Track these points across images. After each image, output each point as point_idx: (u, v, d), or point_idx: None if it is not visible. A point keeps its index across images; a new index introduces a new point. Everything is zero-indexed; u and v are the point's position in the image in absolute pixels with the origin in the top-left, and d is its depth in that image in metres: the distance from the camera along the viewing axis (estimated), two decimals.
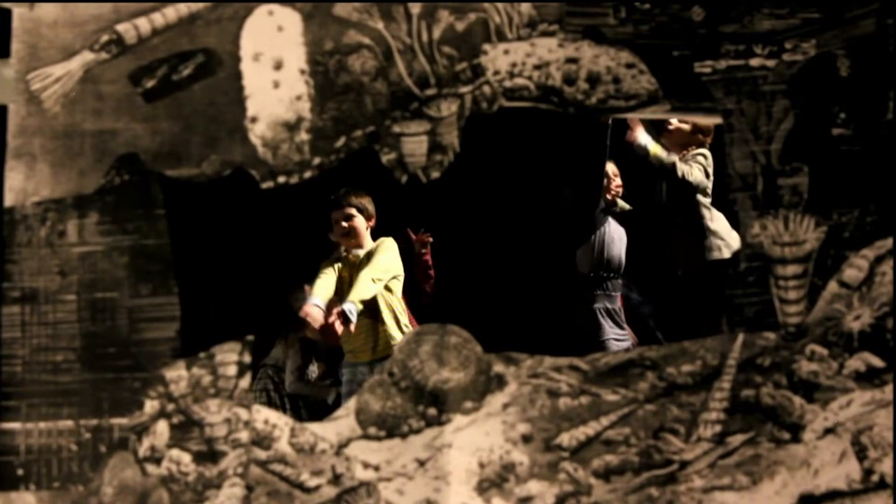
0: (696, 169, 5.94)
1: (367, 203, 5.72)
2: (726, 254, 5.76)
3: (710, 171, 5.95)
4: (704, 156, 6.00)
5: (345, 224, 5.66)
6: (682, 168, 5.86)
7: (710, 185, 5.97)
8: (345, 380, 5.68)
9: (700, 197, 5.94)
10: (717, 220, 5.93)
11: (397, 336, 5.59)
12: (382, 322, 5.59)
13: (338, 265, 5.66)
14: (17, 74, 4.48)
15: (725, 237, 5.85)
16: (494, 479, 4.25)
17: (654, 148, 5.87)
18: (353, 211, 5.68)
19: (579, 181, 6.50)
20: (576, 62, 4.44)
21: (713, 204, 5.99)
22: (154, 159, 4.46)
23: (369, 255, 5.60)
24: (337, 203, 5.70)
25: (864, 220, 4.33)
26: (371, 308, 5.54)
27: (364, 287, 5.44)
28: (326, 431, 4.33)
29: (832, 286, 4.30)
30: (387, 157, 4.47)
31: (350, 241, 5.68)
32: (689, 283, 5.86)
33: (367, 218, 5.72)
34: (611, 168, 6.48)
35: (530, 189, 7.12)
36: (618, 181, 6.50)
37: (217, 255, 6.76)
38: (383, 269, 5.54)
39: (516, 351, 4.36)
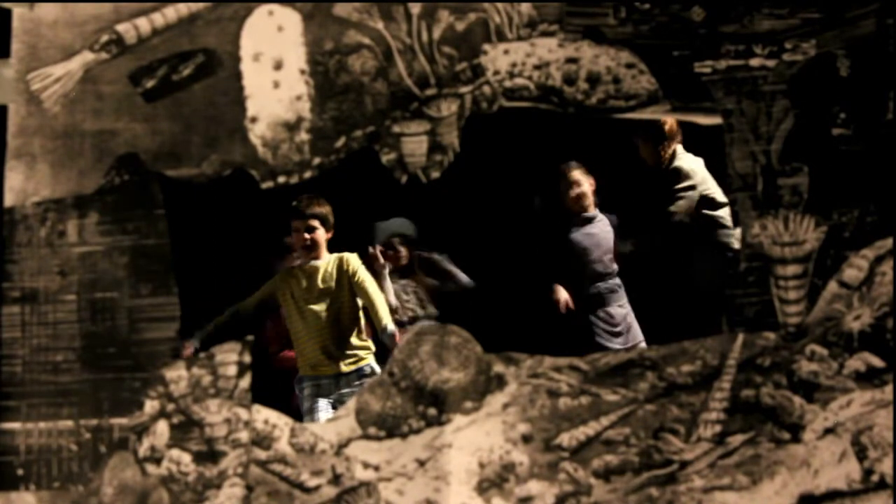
0: (677, 203, 5.88)
1: (329, 214, 5.65)
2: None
3: (694, 180, 5.86)
4: (677, 174, 5.91)
5: (307, 236, 5.60)
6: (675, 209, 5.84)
7: (703, 189, 5.89)
8: (306, 393, 5.61)
9: (707, 212, 5.89)
10: (724, 230, 5.89)
11: (361, 351, 5.60)
12: (353, 337, 5.60)
13: (290, 281, 5.62)
14: (17, 74, 4.48)
15: (738, 245, 5.83)
16: (494, 479, 4.25)
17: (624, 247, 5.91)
18: (316, 223, 5.62)
19: (548, 190, 6.48)
20: (576, 62, 4.44)
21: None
22: (154, 159, 4.47)
23: (344, 269, 5.59)
24: (299, 212, 5.61)
25: (864, 220, 4.33)
26: (334, 322, 5.55)
27: (386, 308, 5.55)
28: (326, 431, 4.33)
29: (832, 286, 4.30)
30: (387, 157, 4.47)
31: (309, 253, 5.63)
32: (711, 298, 5.83)
33: (328, 229, 5.66)
34: (576, 175, 6.39)
35: (519, 193, 7.11)
36: (580, 190, 6.37)
37: (217, 255, 6.76)
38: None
39: (516, 351, 4.36)
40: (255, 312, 5.64)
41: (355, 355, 5.61)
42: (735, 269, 5.62)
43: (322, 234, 5.62)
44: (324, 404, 5.55)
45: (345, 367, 5.57)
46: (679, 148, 6.06)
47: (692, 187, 5.88)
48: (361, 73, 4.47)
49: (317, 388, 5.57)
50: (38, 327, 4.39)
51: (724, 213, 5.95)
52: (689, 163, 5.98)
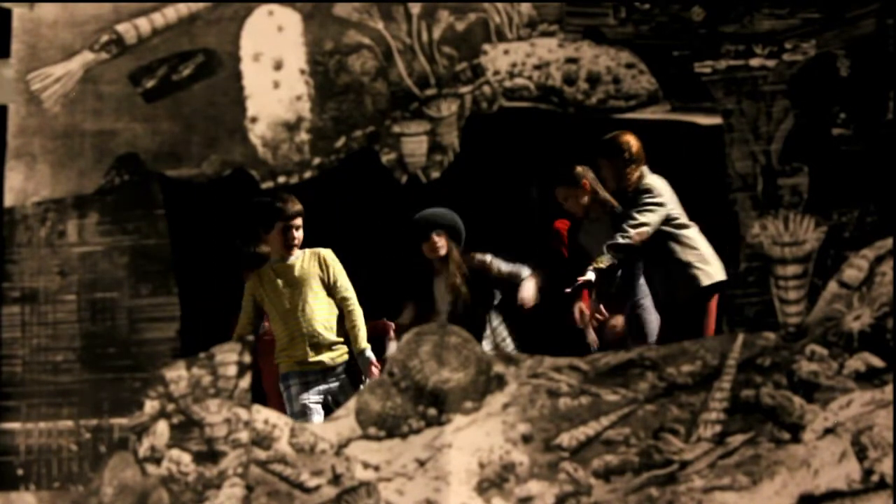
0: (645, 214, 5.74)
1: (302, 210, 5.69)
2: (705, 281, 5.69)
3: (663, 198, 5.79)
4: (647, 191, 5.81)
5: (297, 234, 5.60)
6: (632, 235, 5.67)
7: (672, 209, 5.81)
8: (293, 391, 5.58)
9: (668, 228, 5.78)
10: (688, 249, 5.80)
11: (344, 345, 5.61)
12: (336, 330, 5.60)
13: (265, 283, 5.60)
14: (17, 74, 4.48)
15: (700, 264, 5.75)
16: (494, 479, 4.25)
17: (596, 263, 5.73)
18: (300, 221, 5.62)
19: (545, 182, 6.43)
20: (576, 62, 4.44)
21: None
22: (154, 159, 4.47)
23: (324, 268, 5.57)
24: (285, 213, 5.57)
25: (864, 220, 4.33)
26: (315, 317, 5.54)
27: (363, 325, 5.56)
28: (326, 431, 4.33)
29: (832, 286, 4.30)
30: (387, 157, 4.47)
31: (292, 251, 5.62)
32: (678, 312, 5.77)
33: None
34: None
35: (519, 192, 7.09)
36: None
37: (217, 255, 6.76)
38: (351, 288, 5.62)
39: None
40: (253, 330, 5.65)
41: (339, 348, 5.61)
42: (693, 289, 5.59)
43: (302, 233, 5.62)
44: (314, 400, 5.55)
45: (330, 361, 5.58)
46: (645, 168, 5.97)
47: (662, 204, 5.81)
48: (361, 73, 4.48)
49: (305, 385, 5.57)
50: (38, 327, 4.39)
51: (690, 234, 5.86)
52: (658, 182, 5.92)
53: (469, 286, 5.99)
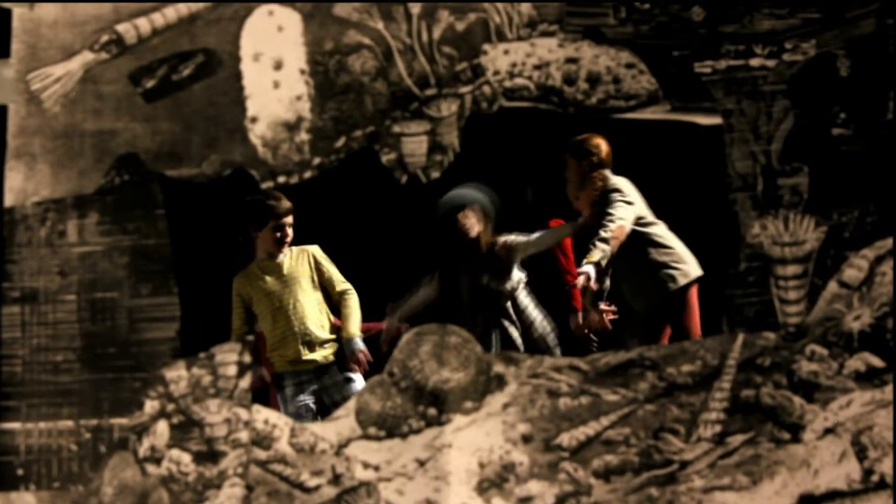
0: (620, 209, 5.68)
1: None
2: (682, 280, 5.65)
3: (632, 197, 5.76)
4: (617, 190, 5.78)
5: (289, 232, 5.59)
6: (613, 229, 5.59)
7: (640, 209, 5.78)
8: (288, 392, 5.54)
9: (638, 228, 5.73)
10: (661, 249, 5.76)
11: (336, 343, 5.59)
12: (328, 327, 5.58)
13: (254, 281, 5.58)
14: (17, 74, 4.49)
15: (677, 263, 5.71)
16: (494, 479, 4.25)
17: (588, 258, 5.63)
18: (292, 219, 5.60)
19: (541, 182, 6.41)
20: (576, 62, 4.44)
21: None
22: (154, 159, 4.47)
23: (313, 265, 5.55)
24: (277, 211, 5.47)
25: (864, 220, 4.33)
26: (307, 314, 5.53)
27: (357, 314, 5.52)
28: (326, 431, 4.33)
29: (832, 286, 4.30)
30: (387, 157, 4.48)
31: (283, 248, 5.61)
32: (652, 316, 5.74)
33: None
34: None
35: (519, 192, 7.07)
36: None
37: (217, 255, 6.76)
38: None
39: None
40: (249, 329, 5.63)
41: (332, 346, 5.59)
42: (671, 289, 5.55)
43: (292, 230, 5.61)
44: (310, 400, 5.53)
45: (323, 359, 5.56)
46: (608, 172, 5.93)
47: (632, 203, 5.79)
48: (361, 73, 4.48)
49: (299, 386, 5.55)
50: (38, 327, 4.40)
51: (661, 232, 5.82)
52: (624, 183, 5.89)
53: (493, 272, 5.84)
